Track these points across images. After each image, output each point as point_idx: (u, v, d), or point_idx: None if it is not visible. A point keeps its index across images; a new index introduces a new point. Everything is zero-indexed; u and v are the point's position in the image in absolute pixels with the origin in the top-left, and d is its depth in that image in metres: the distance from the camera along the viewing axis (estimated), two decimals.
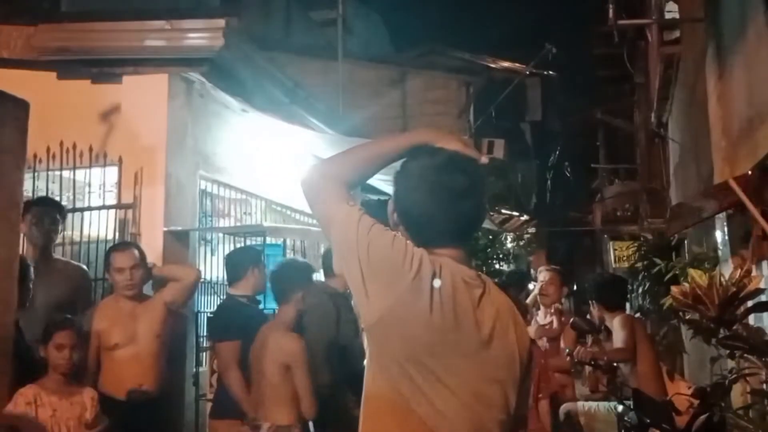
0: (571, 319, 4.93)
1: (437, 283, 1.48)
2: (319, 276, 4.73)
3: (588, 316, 5.02)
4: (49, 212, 4.05)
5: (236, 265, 4.23)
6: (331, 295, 4.26)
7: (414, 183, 1.63)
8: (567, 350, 4.66)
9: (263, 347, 3.48)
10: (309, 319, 3.85)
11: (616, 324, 4.42)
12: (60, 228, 4.17)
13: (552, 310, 5.17)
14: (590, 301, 4.78)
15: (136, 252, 3.98)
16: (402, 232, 1.63)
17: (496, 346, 1.54)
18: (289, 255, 6.51)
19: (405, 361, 1.49)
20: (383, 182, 8.08)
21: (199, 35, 4.96)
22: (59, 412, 3.25)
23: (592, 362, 4.33)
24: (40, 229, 3.99)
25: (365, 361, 1.64)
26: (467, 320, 1.51)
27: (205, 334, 4.97)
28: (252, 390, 3.62)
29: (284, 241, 6.11)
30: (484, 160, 1.68)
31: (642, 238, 8.79)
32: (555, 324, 5.11)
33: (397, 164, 1.70)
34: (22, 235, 3.57)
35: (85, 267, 4.40)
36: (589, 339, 4.91)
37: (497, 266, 12.60)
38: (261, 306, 4.49)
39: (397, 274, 1.48)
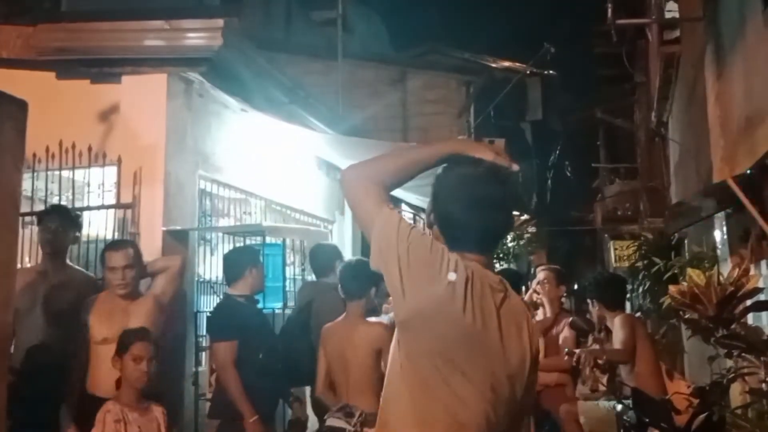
0: (571, 319, 4.93)
1: (470, 287, 1.61)
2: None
3: (588, 316, 5.02)
4: (55, 219, 4.05)
5: (235, 264, 4.24)
6: (336, 289, 4.38)
7: (454, 190, 1.77)
8: (567, 350, 4.66)
9: (350, 339, 3.65)
10: (321, 313, 3.96)
11: (616, 323, 4.42)
12: (73, 235, 4.17)
13: (558, 318, 5.08)
14: (590, 301, 4.78)
15: (131, 251, 3.92)
16: (435, 233, 1.78)
17: (512, 345, 1.68)
18: (289, 255, 6.51)
19: (434, 355, 1.62)
20: None
21: (199, 35, 4.96)
22: (143, 430, 3.10)
23: (594, 362, 4.33)
24: (47, 236, 4.00)
25: (391, 353, 1.75)
26: (491, 322, 1.65)
27: (204, 333, 4.98)
28: (337, 382, 3.72)
29: (284, 241, 6.11)
30: (515, 167, 1.80)
31: (642, 238, 8.79)
32: (548, 312, 5.06)
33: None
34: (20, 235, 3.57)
35: (92, 275, 4.40)
36: (590, 339, 4.91)
37: (498, 265, 12.60)
38: (260, 306, 4.50)
39: (434, 276, 1.60)
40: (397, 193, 8.91)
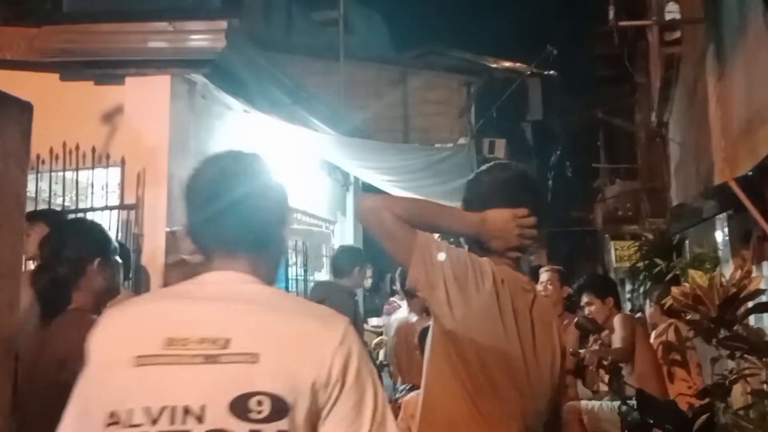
0: (575, 319, 4.93)
1: (504, 291, 1.75)
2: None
3: (588, 313, 5.01)
4: (42, 225, 4.03)
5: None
6: (349, 292, 4.77)
7: (485, 195, 1.89)
8: (571, 350, 4.66)
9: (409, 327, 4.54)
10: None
11: (616, 323, 4.44)
12: None
13: (561, 319, 5.07)
14: (582, 295, 4.82)
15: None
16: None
17: (543, 342, 1.81)
18: (291, 255, 6.52)
19: (475, 357, 1.73)
20: (386, 183, 8.10)
21: (202, 36, 4.98)
22: None
23: (598, 363, 4.34)
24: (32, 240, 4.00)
25: (426, 357, 1.85)
26: (524, 321, 1.78)
27: None
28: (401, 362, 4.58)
29: None
30: (534, 233, 1.90)
31: (643, 238, 8.80)
32: (551, 289, 5.05)
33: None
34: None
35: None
36: (591, 339, 4.92)
37: None
38: None
39: (474, 286, 1.72)
40: (399, 193, 8.92)
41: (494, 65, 13.30)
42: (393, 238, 1.75)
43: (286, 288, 5.86)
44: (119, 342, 1.25)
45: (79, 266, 2.13)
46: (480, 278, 1.73)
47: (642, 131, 13.07)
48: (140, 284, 4.76)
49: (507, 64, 13.66)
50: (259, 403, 1.17)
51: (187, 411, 1.17)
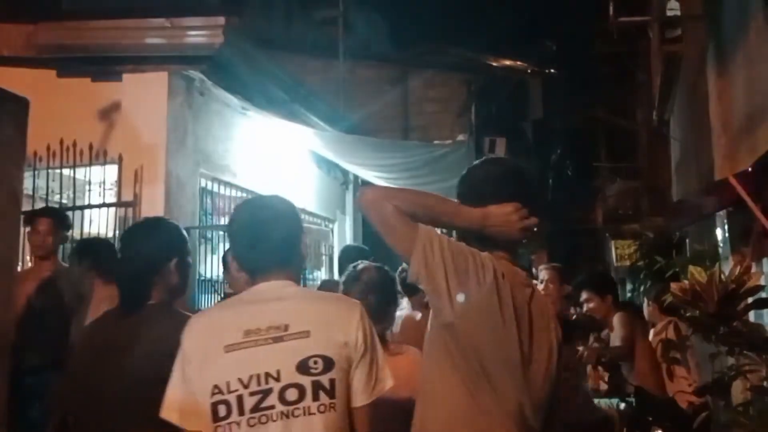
0: (573, 316, 4.91)
1: (504, 285, 1.76)
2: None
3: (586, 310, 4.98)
4: (44, 222, 4.03)
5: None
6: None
7: (480, 189, 1.90)
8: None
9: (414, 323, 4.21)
10: None
11: (615, 321, 4.42)
12: (63, 236, 4.16)
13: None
14: (582, 292, 4.78)
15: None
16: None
17: (541, 337, 1.83)
18: None
19: (474, 350, 1.74)
20: (378, 178, 8.09)
21: (199, 33, 4.97)
22: None
23: (597, 361, 4.32)
24: (37, 239, 4.00)
25: (425, 351, 1.88)
26: (523, 316, 1.79)
27: None
28: None
29: None
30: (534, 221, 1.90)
31: (643, 237, 8.77)
32: (551, 288, 4.97)
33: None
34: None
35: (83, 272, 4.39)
36: (591, 337, 4.89)
37: None
38: None
39: (475, 280, 1.73)
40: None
41: (495, 64, 13.27)
42: (394, 230, 1.74)
43: None
44: (210, 337, 1.79)
45: (159, 264, 2.22)
46: (481, 272, 1.73)
47: (643, 129, 13.05)
48: None
49: (507, 62, 13.63)
50: (315, 362, 1.75)
51: (267, 375, 1.73)
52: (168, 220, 2.54)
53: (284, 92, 6.58)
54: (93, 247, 3.93)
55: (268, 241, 1.88)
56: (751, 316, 3.90)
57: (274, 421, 1.71)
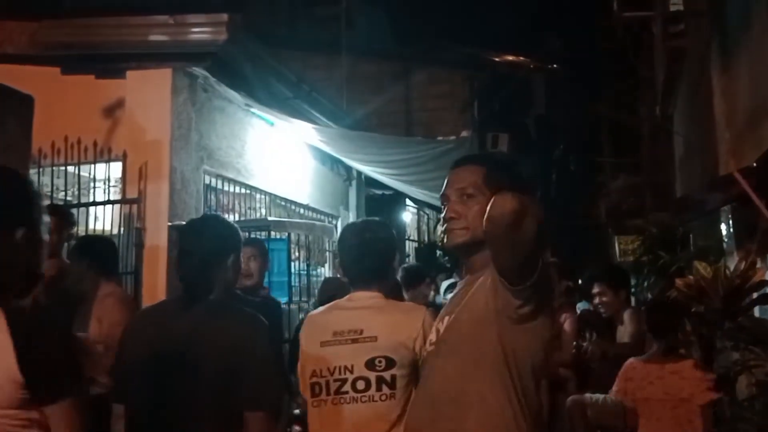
0: (579, 313, 4.89)
1: None
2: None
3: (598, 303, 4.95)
4: (48, 219, 4.02)
5: None
6: None
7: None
8: (575, 343, 4.62)
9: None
10: None
11: (625, 317, 4.41)
12: (67, 233, 4.15)
13: (559, 313, 4.92)
14: (594, 285, 4.73)
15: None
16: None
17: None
18: (294, 250, 6.52)
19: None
20: (381, 174, 8.08)
21: (203, 30, 4.97)
22: None
23: (601, 356, 4.32)
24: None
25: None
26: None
27: None
28: None
29: (288, 236, 6.11)
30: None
31: (647, 232, 8.75)
32: (567, 327, 4.86)
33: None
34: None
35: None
36: (593, 334, 4.88)
37: None
38: None
39: None
40: (401, 187, 8.91)
41: (497, 59, 13.24)
42: (524, 246, 1.56)
43: (289, 282, 5.85)
44: (314, 333, 2.35)
45: (221, 259, 2.28)
46: None
47: (646, 125, 13.02)
48: (140, 278, 4.76)
49: (510, 58, 13.60)
50: (380, 361, 2.21)
51: (345, 368, 2.24)
52: (226, 219, 2.64)
53: (287, 89, 6.58)
54: (92, 245, 3.93)
55: (365, 260, 2.35)
56: (756, 311, 3.90)
57: (348, 403, 2.19)
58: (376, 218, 2.59)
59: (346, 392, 2.20)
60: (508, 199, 1.54)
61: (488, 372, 1.72)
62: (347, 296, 2.40)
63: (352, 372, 2.21)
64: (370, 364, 2.20)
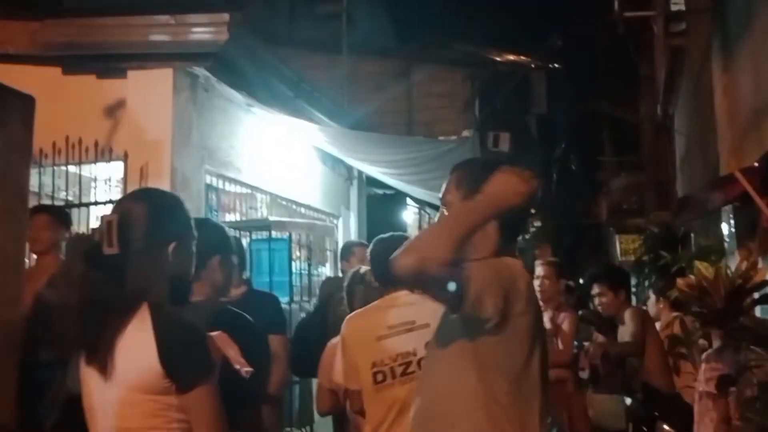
0: (580, 312, 4.88)
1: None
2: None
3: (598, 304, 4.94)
4: (44, 219, 4.01)
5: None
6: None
7: (468, 186, 1.95)
8: (575, 343, 4.61)
9: None
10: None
11: (626, 317, 4.40)
12: (64, 232, 4.14)
13: (557, 313, 4.88)
14: (594, 285, 4.71)
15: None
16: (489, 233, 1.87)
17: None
18: (295, 249, 6.53)
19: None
20: (382, 174, 8.08)
21: (204, 30, 4.96)
22: None
23: (602, 356, 4.32)
24: (28, 233, 3.99)
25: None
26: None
27: None
28: None
29: (290, 236, 6.11)
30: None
31: (648, 231, 8.76)
32: (566, 327, 4.83)
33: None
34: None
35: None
36: (594, 333, 4.88)
37: None
38: None
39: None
40: (402, 186, 8.91)
41: (498, 58, 13.23)
42: (449, 291, 1.67)
43: (290, 281, 5.85)
44: (364, 331, 2.68)
45: (200, 260, 2.23)
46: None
47: (647, 123, 13.02)
48: None
49: (511, 56, 13.58)
50: None
51: (407, 353, 2.55)
52: (213, 220, 2.66)
53: (288, 88, 6.57)
54: (84, 243, 3.92)
55: None
56: (758, 311, 3.90)
57: (414, 380, 2.37)
58: (400, 232, 3.03)
59: (413, 372, 2.48)
60: (396, 264, 1.66)
61: (470, 378, 1.82)
62: (382, 298, 2.69)
63: (415, 355, 2.50)
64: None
